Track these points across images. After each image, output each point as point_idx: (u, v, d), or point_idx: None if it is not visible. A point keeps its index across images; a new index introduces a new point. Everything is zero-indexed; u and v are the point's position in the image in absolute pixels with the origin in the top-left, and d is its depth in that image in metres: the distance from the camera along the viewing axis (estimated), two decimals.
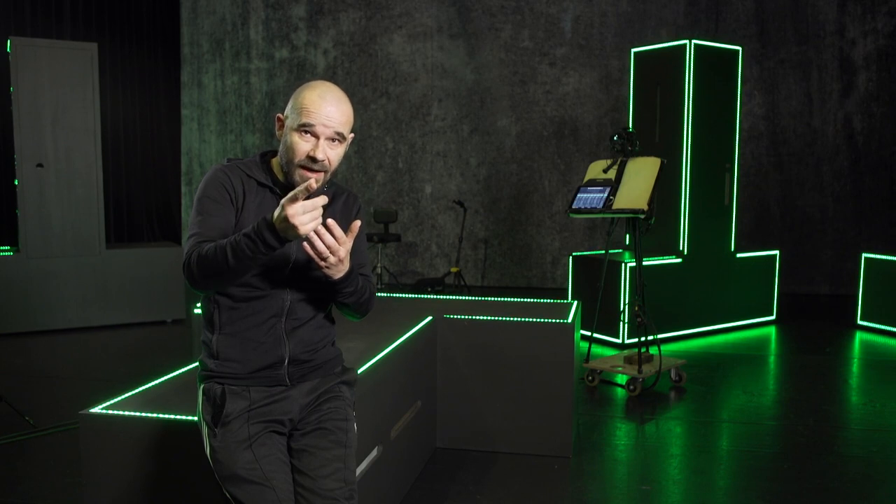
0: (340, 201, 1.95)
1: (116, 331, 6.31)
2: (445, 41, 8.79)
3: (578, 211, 4.68)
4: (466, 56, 8.75)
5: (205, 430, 1.82)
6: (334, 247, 1.68)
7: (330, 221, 1.67)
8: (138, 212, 8.71)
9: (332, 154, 1.78)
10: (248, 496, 1.70)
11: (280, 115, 1.84)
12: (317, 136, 1.75)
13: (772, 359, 5.68)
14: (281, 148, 1.82)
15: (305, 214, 1.57)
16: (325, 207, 1.72)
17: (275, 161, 1.89)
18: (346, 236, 1.71)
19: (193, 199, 1.81)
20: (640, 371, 4.60)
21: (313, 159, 1.75)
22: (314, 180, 1.59)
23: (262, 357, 1.83)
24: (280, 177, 1.87)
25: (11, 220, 6.91)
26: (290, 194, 1.57)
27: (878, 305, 6.40)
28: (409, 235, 9.04)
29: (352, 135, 1.88)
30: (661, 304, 5.78)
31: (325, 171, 1.79)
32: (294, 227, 1.56)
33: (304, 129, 1.75)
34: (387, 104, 8.99)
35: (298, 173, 1.77)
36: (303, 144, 1.75)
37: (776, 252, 6.73)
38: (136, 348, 5.80)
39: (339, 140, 1.79)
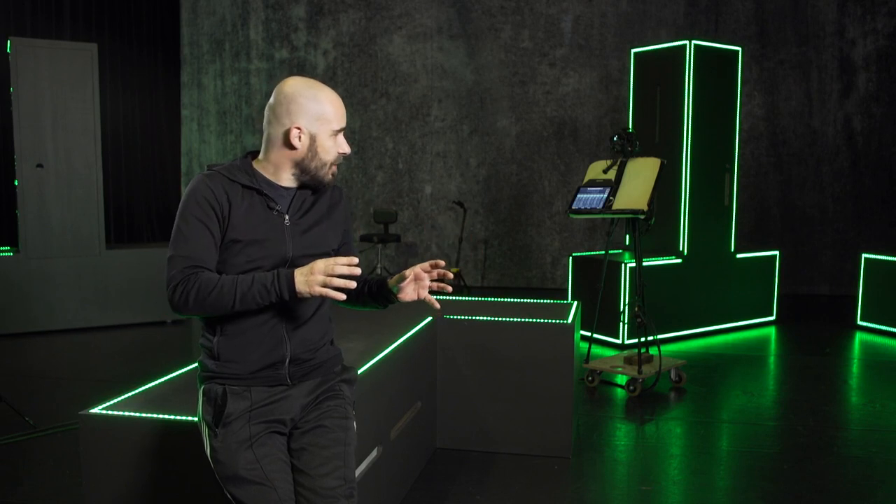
0: (327, 194, 1.99)
1: (116, 331, 6.31)
2: (445, 42, 8.79)
3: (578, 211, 4.68)
4: (466, 57, 8.75)
5: (205, 431, 1.82)
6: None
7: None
8: (138, 212, 8.72)
9: None
10: (250, 496, 1.71)
11: (300, 125, 1.83)
12: (340, 133, 1.92)
13: (772, 359, 5.68)
14: (306, 154, 1.85)
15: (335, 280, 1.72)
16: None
17: (257, 162, 1.90)
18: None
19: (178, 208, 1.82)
20: (639, 371, 4.60)
21: (342, 154, 1.91)
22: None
23: (264, 357, 1.83)
24: (268, 176, 1.88)
25: (11, 221, 6.91)
26: (340, 266, 1.71)
27: (878, 306, 6.40)
28: (409, 236, 9.04)
29: None
30: (661, 304, 5.78)
31: None
32: (318, 287, 1.71)
33: (338, 131, 1.89)
34: (387, 105, 9.00)
35: (331, 171, 1.91)
36: (336, 146, 1.89)
37: (776, 252, 6.73)
38: (136, 348, 5.80)
39: None
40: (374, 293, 1.98)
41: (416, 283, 1.91)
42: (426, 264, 1.90)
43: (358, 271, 1.73)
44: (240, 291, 1.73)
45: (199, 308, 1.74)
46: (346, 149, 1.91)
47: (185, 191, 1.83)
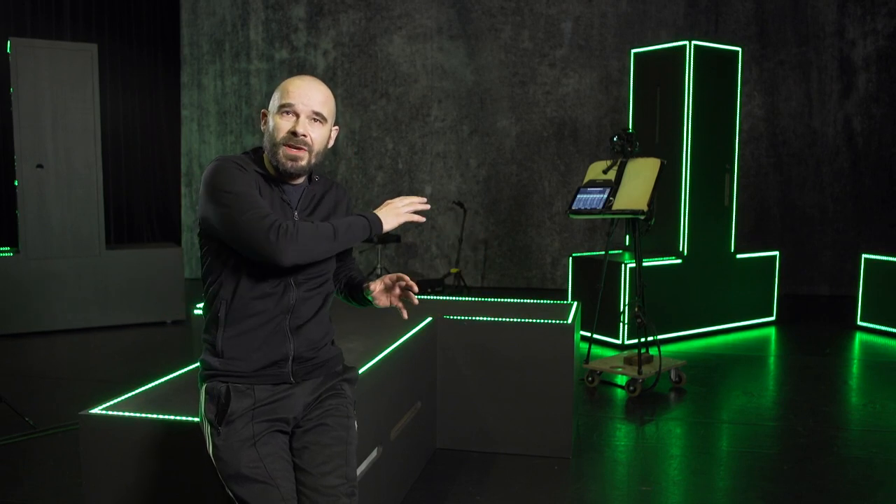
0: (332, 192, 2.00)
1: (116, 331, 6.31)
2: (445, 42, 8.79)
3: (578, 212, 4.68)
4: (466, 57, 8.75)
5: (207, 430, 1.82)
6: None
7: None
8: (138, 212, 8.72)
9: (313, 133, 1.84)
10: (252, 495, 1.71)
11: (264, 110, 1.90)
12: (297, 115, 1.82)
13: (772, 360, 5.68)
14: (265, 137, 1.87)
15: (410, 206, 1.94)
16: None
17: (264, 157, 1.92)
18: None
19: (206, 190, 1.78)
20: (639, 372, 4.60)
21: (294, 133, 1.81)
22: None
23: (267, 355, 1.84)
24: (271, 171, 1.89)
25: (11, 221, 6.91)
26: (414, 199, 1.95)
27: (878, 306, 6.40)
28: (409, 236, 9.04)
29: (336, 127, 1.94)
30: (661, 304, 5.78)
31: (309, 151, 1.84)
32: (404, 215, 1.93)
33: (285, 109, 1.82)
34: (387, 105, 9.00)
35: (282, 152, 1.83)
36: (284, 123, 1.83)
37: (776, 253, 6.73)
38: (136, 349, 5.80)
39: (319, 120, 1.85)
40: (355, 293, 2.10)
41: (388, 292, 2.03)
42: (393, 275, 2.02)
43: (428, 206, 1.96)
44: (342, 225, 1.83)
45: (307, 241, 1.75)
46: (298, 128, 1.81)
47: (209, 174, 1.79)
